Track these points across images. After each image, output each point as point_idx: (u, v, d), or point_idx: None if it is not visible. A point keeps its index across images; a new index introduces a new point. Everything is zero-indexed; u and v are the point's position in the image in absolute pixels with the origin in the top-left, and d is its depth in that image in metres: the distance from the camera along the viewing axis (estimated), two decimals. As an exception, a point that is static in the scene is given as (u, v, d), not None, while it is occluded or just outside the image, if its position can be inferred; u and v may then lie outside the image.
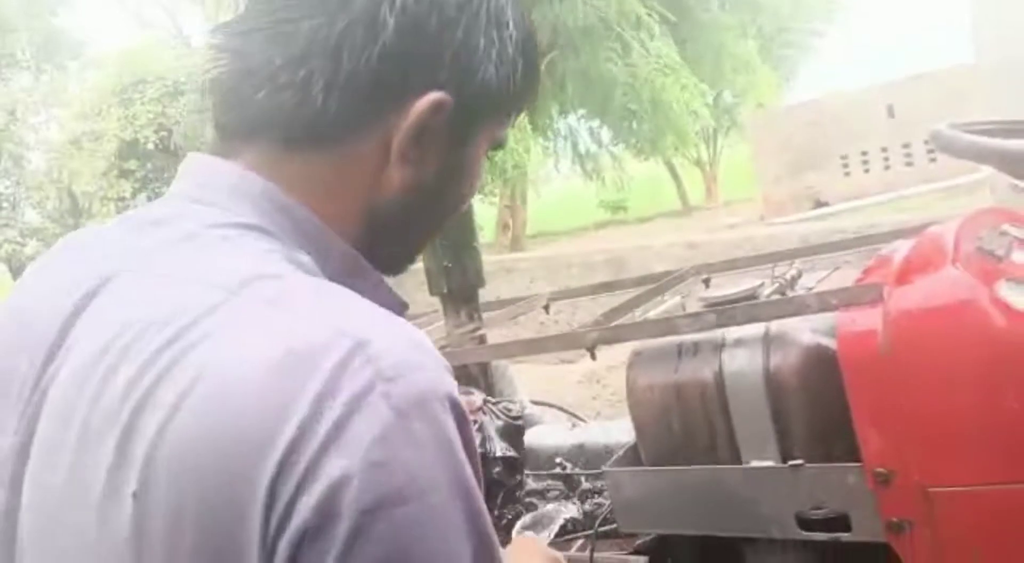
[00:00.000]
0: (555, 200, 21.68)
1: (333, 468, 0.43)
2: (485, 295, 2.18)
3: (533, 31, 0.63)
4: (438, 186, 0.60)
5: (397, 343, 0.48)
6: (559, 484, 1.55)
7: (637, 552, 1.30)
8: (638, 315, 1.37)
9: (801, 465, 1.02)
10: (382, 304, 0.56)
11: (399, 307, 0.62)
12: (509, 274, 5.84)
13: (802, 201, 12.51)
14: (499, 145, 0.66)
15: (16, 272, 16.21)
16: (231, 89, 0.57)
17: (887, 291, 0.96)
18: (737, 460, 1.10)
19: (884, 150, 12.60)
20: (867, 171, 12.85)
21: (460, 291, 1.37)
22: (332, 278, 0.56)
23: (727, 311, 1.09)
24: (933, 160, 11.94)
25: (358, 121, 0.57)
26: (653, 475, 1.16)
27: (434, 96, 0.56)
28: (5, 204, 16.31)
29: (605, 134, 12.75)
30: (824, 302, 1.01)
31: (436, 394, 0.47)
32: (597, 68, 8.93)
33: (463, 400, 0.49)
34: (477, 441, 1.03)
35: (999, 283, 0.92)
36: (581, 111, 12.15)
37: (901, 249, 1.19)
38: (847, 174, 13.08)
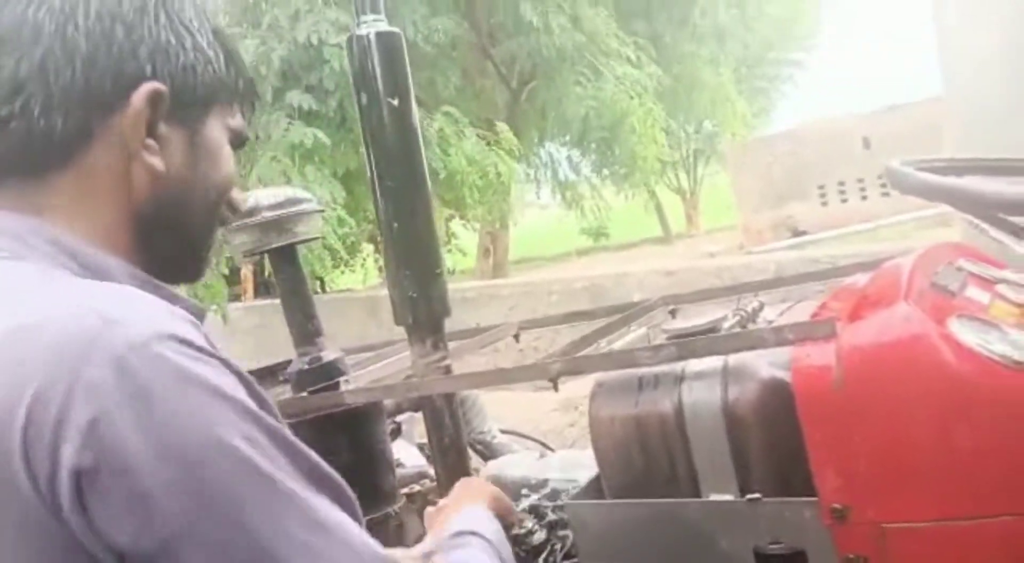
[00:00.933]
0: (538, 226, 21.76)
1: (81, 414, 0.50)
2: (466, 322, 2.18)
3: (220, 26, 0.72)
4: (189, 172, 0.67)
5: (130, 307, 0.55)
6: (527, 515, 1.54)
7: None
8: (603, 346, 1.37)
9: (758, 499, 1.02)
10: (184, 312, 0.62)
11: (199, 313, 0.66)
12: (490, 301, 5.83)
13: (781, 230, 12.65)
14: (241, 137, 0.73)
15: None
16: None
17: (840, 326, 0.97)
18: (697, 493, 1.10)
19: (860, 180, 12.80)
20: (844, 201, 13.03)
21: (426, 321, 1.36)
22: None
23: (686, 344, 1.10)
24: (908, 191, 12.12)
25: (85, 131, 0.63)
26: (614, 508, 1.15)
27: (148, 86, 0.63)
28: None
29: (585, 163, 12.86)
30: (780, 337, 1.01)
31: (165, 332, 0.53)
32: (569, 94, 9.05)
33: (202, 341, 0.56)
34: None
35: (950, 320, 0.93)
36: (561, 140, 12.26)
37: (859, 283, 1.20)
38: (824, 204, 13.25)
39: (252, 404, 0.56)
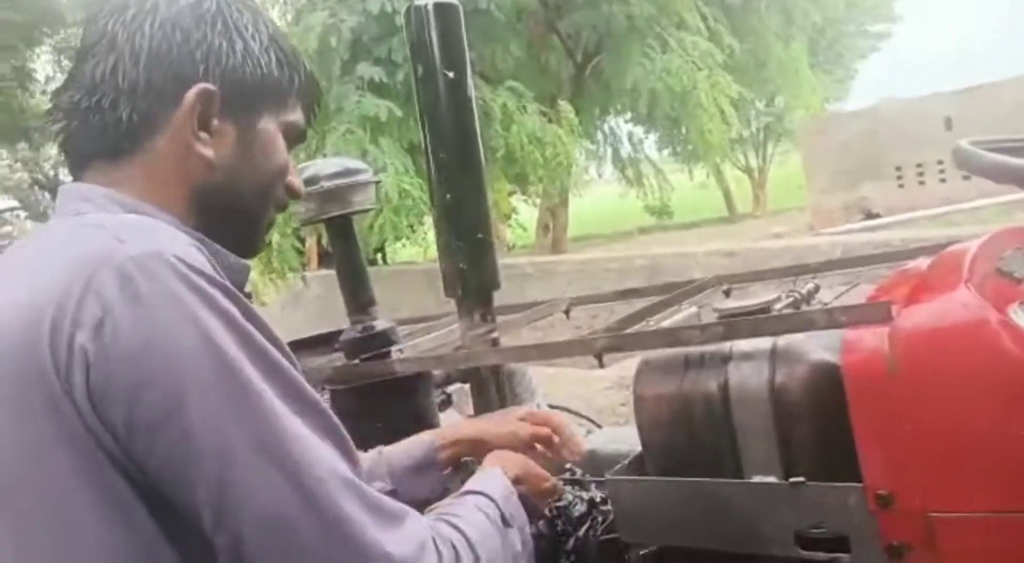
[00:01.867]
0: (601, 204, 21.58)
1: (91, 313, 0.60)
2: (523, 297, 2.19)
3: (279, 33, 0.81)
4: (242, 162, 0.77)
5: (142, 232, 0.66)
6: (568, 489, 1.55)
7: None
8: (652, 324, 1.36)
9: (802, 483, 1.00)
10: (225, 267, 0.72)
11: (243, 269, 0.79)
12: (548, 277, 5.83)
13: (853, 212, 12.25)
14: (297, 132, 0.83)
15: None
16: (64, 132, 0.76)
17: (896, 310, 0.94)
18: (740, 475, 1.08)
19: (940, 163, 12.27)
20: (922, 183, 12.53)
21: (475, 293, 1.38)
22: None
23: (734, 324, 1.08)
24: (991, 174, 11.55)
25: (148, 122, 0.74)
26: (654, 485, 1.15)
27: (198, 86, 0.74)
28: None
29: (648, 140, 12.66)
30: (832, 319, 0.99)
31: (168, 250, 0.63)
32: (636, 68, 8.89)
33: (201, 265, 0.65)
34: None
35: (1012, 306, 0.89)
36: (626, 116, 12.08)
37: (920, 267, 1.16)
38: (901, 186, 12.76)
39: (241, 319, 0.64)
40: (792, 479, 1.01)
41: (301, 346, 2.23)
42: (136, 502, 0.62)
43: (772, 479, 1.05)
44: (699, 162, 12.20)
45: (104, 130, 0.74)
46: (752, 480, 1.06)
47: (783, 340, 1.08)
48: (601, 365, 1.24)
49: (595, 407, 3.94)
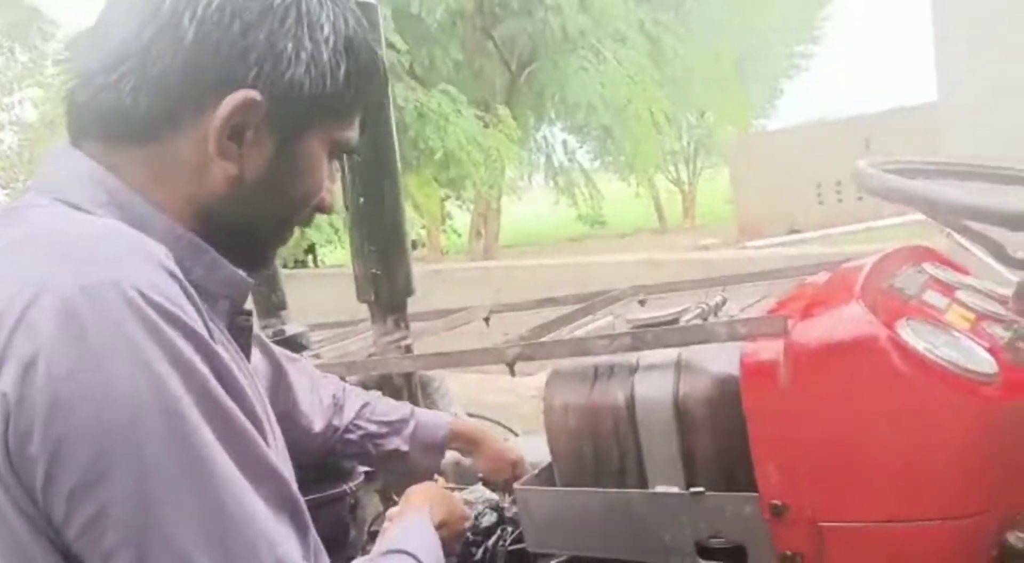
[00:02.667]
0: (534, 212, 21.73)
1: (22, 350, 0.51)
2: (450, 302, 2.17)
3: (359, 35, 0.66)
4: (269, 183, 0.64)
5: (101, 247, 0.55)
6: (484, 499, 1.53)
7: (545, 572, 1.29)
8: (566, 333, 1.37)
9: (701, 493, 1.02)
10: (221, 282, 0.64)
11: (242, 283, 0.67)
12: (476, 283, 5.83)
13: (777, 226, 12.66)
14: (346, 147, 0.69)
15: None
16: (68, 96, 0.63)
17: (791, 323, 0.97)
18: (645, 485, 1.09)
19: (858, 181, 12.75)
20: (840, 201, 13.05)
21: (388, 299, 1.36)
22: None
23: (640, 334, 1.09)
24: (905, 194, 12.11)
25: (170, 118, 0.61)
26: (561, 495, 1.15)
27: (242, 94, 0.60)
28: (-24, 182, 16.02)
29: (581, 150, 12.82)
30: (732, 331, 1.01)
31: (126, 279, 0.52)
32: (573, 79, 9.01)
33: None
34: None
35: (900, 322, 0.92)
36: (560, 124, 12.21)
37: (818, 281, 1.20)
38: (821, 203, 13.27)
39: (202, 371, 0.54)
40: (692, 489, 1.03)
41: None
42: None
43: (674, 489, 1.06)
44: (632, 173, 12.39)
45: (116, 112, 0.61)
46: (655, 490, 1.07)
47: (688, 352, 1.10)
48: (512, 374, 1.24)
49: (520, 414, 3.95)
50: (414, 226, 12.16)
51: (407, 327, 1.38)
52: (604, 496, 1.11)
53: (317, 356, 1.78)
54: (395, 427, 1.24)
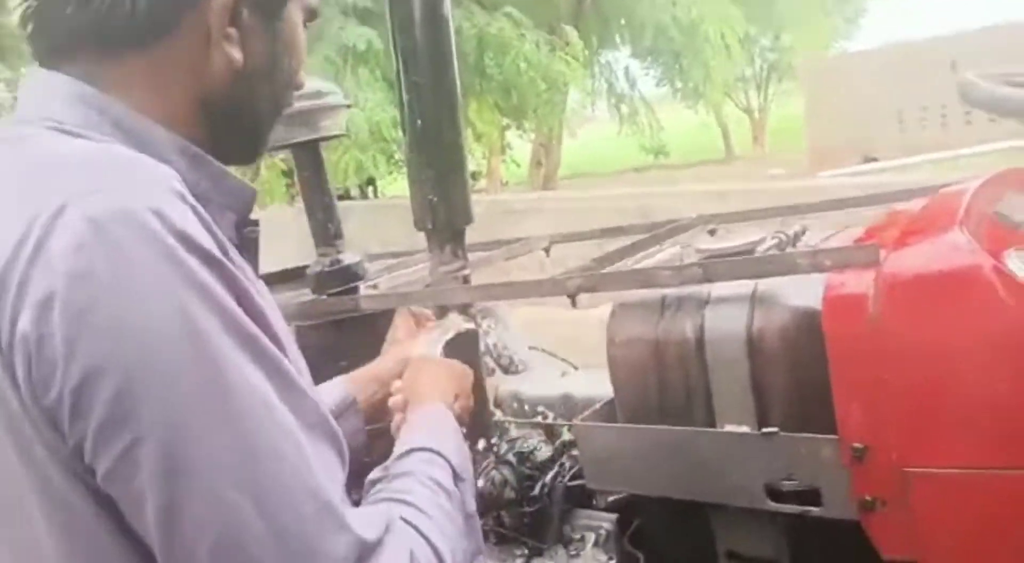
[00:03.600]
0: (597, 142, 21.28)
1: (37, 288, 0.49)
2: (509, 233, 2.11)
3: None
4: (268, 63, 0.64)
5: (108, 174, 0.53)
6: (539, 432, 1.51)
7: (607, 510, 1.26)
8: (631, 264, 1.30)
9: (775, 433, 0.96)
10: (226, 192, 0.62)
11: (247, 194, 0.65)
12: (536, 214, 5.74)
13: (851, 155, 12.09)
14: (314, 14, 0.70)
15: None
16: (39, 13, 0.60)
17: (883, 254, 0.88)
18: (712, 423, 1.04)
19: (943, 106, 12.04)
20: (924, 127, 12.33)
21: (445, 227, 1.30)
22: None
23: (712, 265, 1.02)
24: (993, 121, 11.37)
25: (172, 17, 0.59)
26: (623, 432, 1.10)
27: None
28: None
29: (647, 76, 12.33)
30: (816, 262, 0.92)
31: (138, 205, 0.50)
32: (642, 2, 8.58)
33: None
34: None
35: (1007, 252, 0.83)
36: (625, 50, 11.75)
37: (913, 208, 1.09)
38: (902, 130, 12.57)
39: (222, 294, 0.52)
40: (765, 429, 0.97)
41: (271, 280, 2.17)
42: (84, 507, 0.52)
43: (745, 429, 1.00)
44: (700, 100, 11.91)
45: (109, 18, 0.58)
46: (724, 429, 1.01)
47: (764, 284, 1.02)
48: (574, 305, 1.18)
49: (582, 345, 3.91)
50: (474, 156, 12.02)
51: (465, 257, 1.33)
52: (668, 434, 1.06)
53: (375, 286, 1.76)
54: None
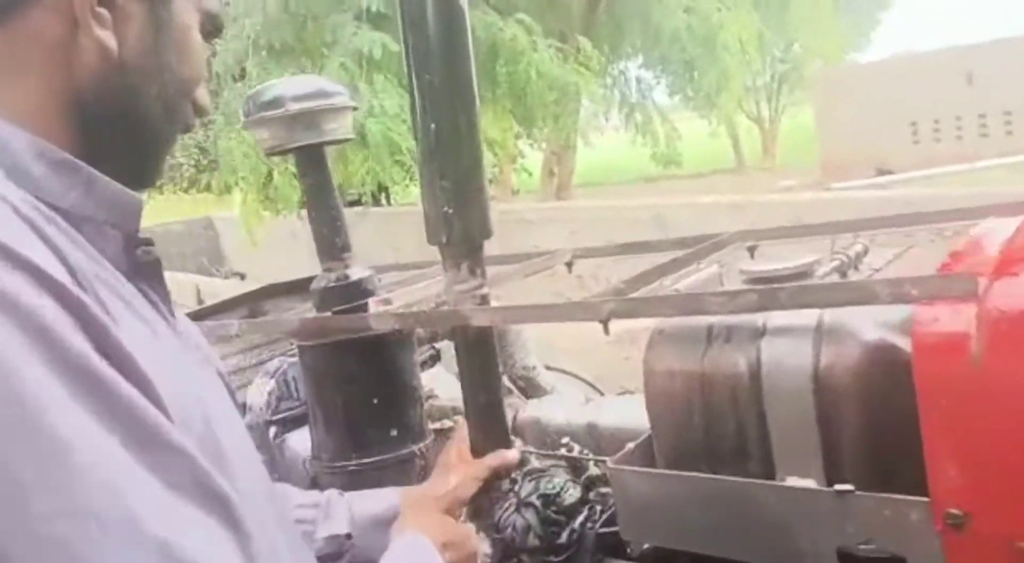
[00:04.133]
0: (608, 151, 21.20)
1: None
2: (522, 245, 1.99)
3: None
4: (144, 59, 0.56)
5: None
6: (563, 465, 1.37)
7: (643, 561, 1.12)
8: (666, 284, 1.16)
9: (850, 492, 0.82)
10: (105, 204, 0.53)
11: (132, 205, 0.56)
12: (549, 224, 5.62)
13: (864, 167, 11.94)
14: (215, 24, 0.62)
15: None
16: None
17: (984, 284, 0.74)
18: (771, 474, 0.90)
19: (958, 119, 11.91)
20: (938, 140, 12.19)
21: (461, 242, 1.17)
22: (17, 177, 0.48)
23: (772, 292, 0.88)
24: (1010, 133, 11.21)
25: None
26: (664, 479, 0.97)
27: None
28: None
29: (659, 86, 12.20)
30: (900, 292, 0.79)
31: None
32: (656, 6, 8.45)
33: None
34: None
35: None
36: (637, 61, 11.63)
37: (999, 230, 0.96)
38: (916, 142, 12.44)
39: (62, 333, 0.42)
40: (838, 486, 0.83)
41: (275, 292, 2.05)
42: None
43: (811, 483, 0.86)
44: (712, 109, 11.75)
45: None
46: (786, 483, 0.88)
47: (831, 314, 0.88)
48: (606, 331, 1.04)
49: (595, 362, 3.77)
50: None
51: (483, 274, 1.20)
52: (719, 485, 0.92)
53: (387, 301, 1.63)
54: (325, 513, 0.95)
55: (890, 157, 11.96)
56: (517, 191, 14.70)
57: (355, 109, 1.39)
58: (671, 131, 11.72)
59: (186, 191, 15.86)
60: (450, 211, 1.17)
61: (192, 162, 13.65)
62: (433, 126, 1.16)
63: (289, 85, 1.32)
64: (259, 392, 1.63)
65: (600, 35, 9.93)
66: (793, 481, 0.87)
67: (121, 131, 0.57)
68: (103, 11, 0.53)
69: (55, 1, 0.52)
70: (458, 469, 1.03)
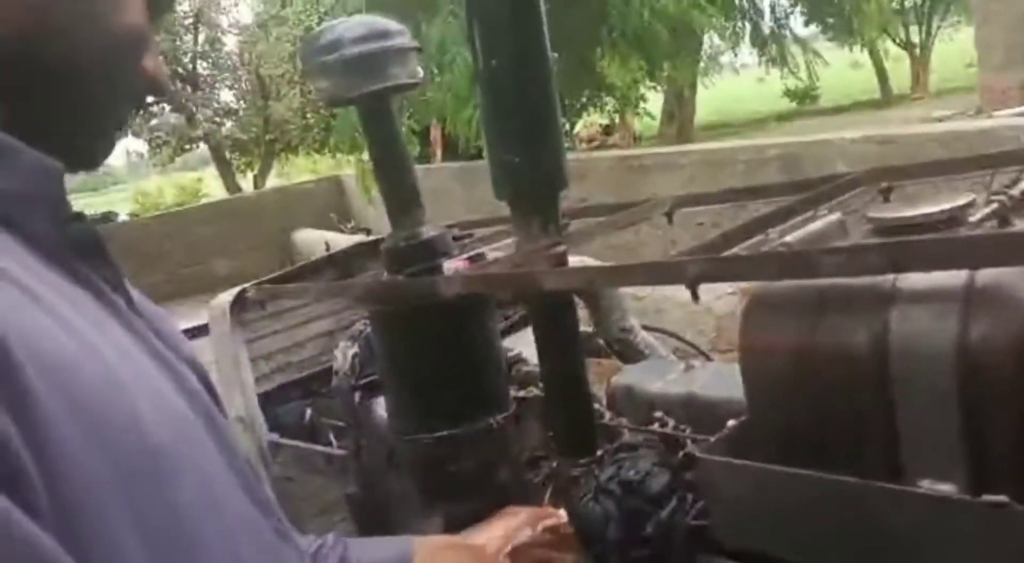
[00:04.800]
0: (735, 89, 20.10)
1: None
2: (637, 194, 1.82)
3: None
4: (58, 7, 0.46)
5: None
6: (656, 441, 1.23)
7: (739, 558, 0.97)
8: (773, 239, 0.98)
9: (1005, 505, 0.63)
10: (22, 175, 0.44)
11: (51, 172, 0.45)
12: (666, 170, 5.32)
13: (1031, 93, 10.63)
14: None
15: (214, 149, 17.52)
16: None
17: None
18: (898, 476, 0.72)
19: None
20: (1125, 57, 10.65)
21: (531, 195, 1.04)
22: None
23: (904, 247, 0.69)
24: None
25: None
26: (761, 475, 0.80)
27: None
28: (204, 85, 17.46)
29: (795, 14, 11.31)
30: (1084, 246, 0.58)
31: None
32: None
33: None
34: None
35: None
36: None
37: None
38: (1095, 60, 10.92)
39: None
40: (987, 496, 0.64)
41: (345, 258, 1.98)
42: None
43: (951, 488, 0.68)
44: (852, 38, 10.79)
45: None
46: (920, 488, 0.69)
47: (985, 275, 0.68)
48: (695, 298, 0.88)
49: (713, 315, 3.53)
50: (604, 110, 11.52)
51: (558, 230, 1.06)
52: (828, 485, 0.75)
53: (477, 259, 1.53)
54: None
55: (1065, 79, 10.57)
56: (639, 137, 14.22)
57: (419, 50, 1.26)
58: (811, 60, 10.84)
59: (319, 152, 16.48)
60: (519, 160, 1.03)
61: (323, 125, 14.12)
62: (494, 62, 1.01)
63: (346, 27, 1.20)
64: (343, 356, 1.58)
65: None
66: (929, 485, 0.69)
67: (45, 88, 0.48)
68: None
69: None
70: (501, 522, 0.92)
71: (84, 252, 0.48)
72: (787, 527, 0.79)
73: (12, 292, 0.40)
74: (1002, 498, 0.63)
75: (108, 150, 0.53)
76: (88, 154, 0.52)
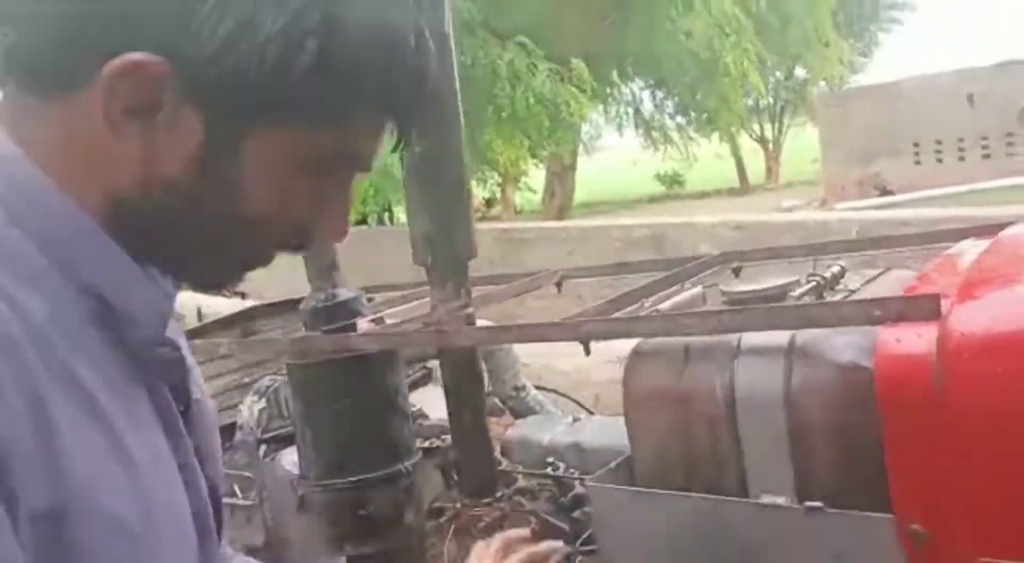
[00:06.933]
0: (610, 171, 21.29)
1: None
2: (520, 265, 2.00)
3: (360, 8, 0.46)
4: (199, 186, 0.47)
5: None
6: (549, 484, 1.38)
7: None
8: (648, 305, 1.18)
9: (819, 509, 0.83)
10: (134, 298, 0.49)
11: (160, 304, 0.51)
12: (547, 243, 5.64)
13: (867, 188, 11.97)
14: (351, 163, 0.51)
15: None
16: None
17: (947, 306, 0.76)
18: (744, 492, 0.91)
19: (960, 140, 11.95)
20: (940, 161, 12.22)
21: (446, 262, 1.20)
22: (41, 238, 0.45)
23: (745, 312, 0.90)
24: (1012, 154, 11.25)
25: (71, 67, 0.45)
26: (644, 498, 0.98)
27: (130, 59, 0.44)
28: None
29: (668, 104, 12.30)
30: (864, 313, 0.81)
31: None
32: (658, 30, 8.53)
33: None
34: None
35: (1099, 307, 0.71)
36: (642, 80, 11.73)
37: (970, 252, 0.97)
38: (918, 163, 12.47)
39: None
40: (808, 503, 0.84)
41: (266, 312, 2.07)
42: None
43: (783, 501, 0.88)
44: (714, 131, 11.84)
45: (16, 43, 0.46)
46: (760, 501, 0.89)
47: (803, 335, 0.90)
48: (587, 352, 1.06)
49: (590, 382, 3.77)
50: (487, 184, 11.96)
51: (468, 294, 1.22)
52: (696, 503, 0.93)
53: (379, 321, 1.65)
54: None
55: (892, 178, 11.99)
56: (520, 210, 14.77)
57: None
58: (689, 141, 11.75)
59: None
60: (435, 232, 1.20)
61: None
62: (418, 148, 1.19)
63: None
64: (249, 410, 1.65)
65: (605, 58, 10.02)
66: (767, 499, 0.88)
67: (159, 248, 0.50)
68: (129, 121, 0.45)
69: (91, 92, 0.45)
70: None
71: (151, 370, 0.51)
72: (661, 539, 0.96)
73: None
74: (818, 504, 0.84)
75: (236, 282, 0.56)
76: (215, 288, 0.56)
